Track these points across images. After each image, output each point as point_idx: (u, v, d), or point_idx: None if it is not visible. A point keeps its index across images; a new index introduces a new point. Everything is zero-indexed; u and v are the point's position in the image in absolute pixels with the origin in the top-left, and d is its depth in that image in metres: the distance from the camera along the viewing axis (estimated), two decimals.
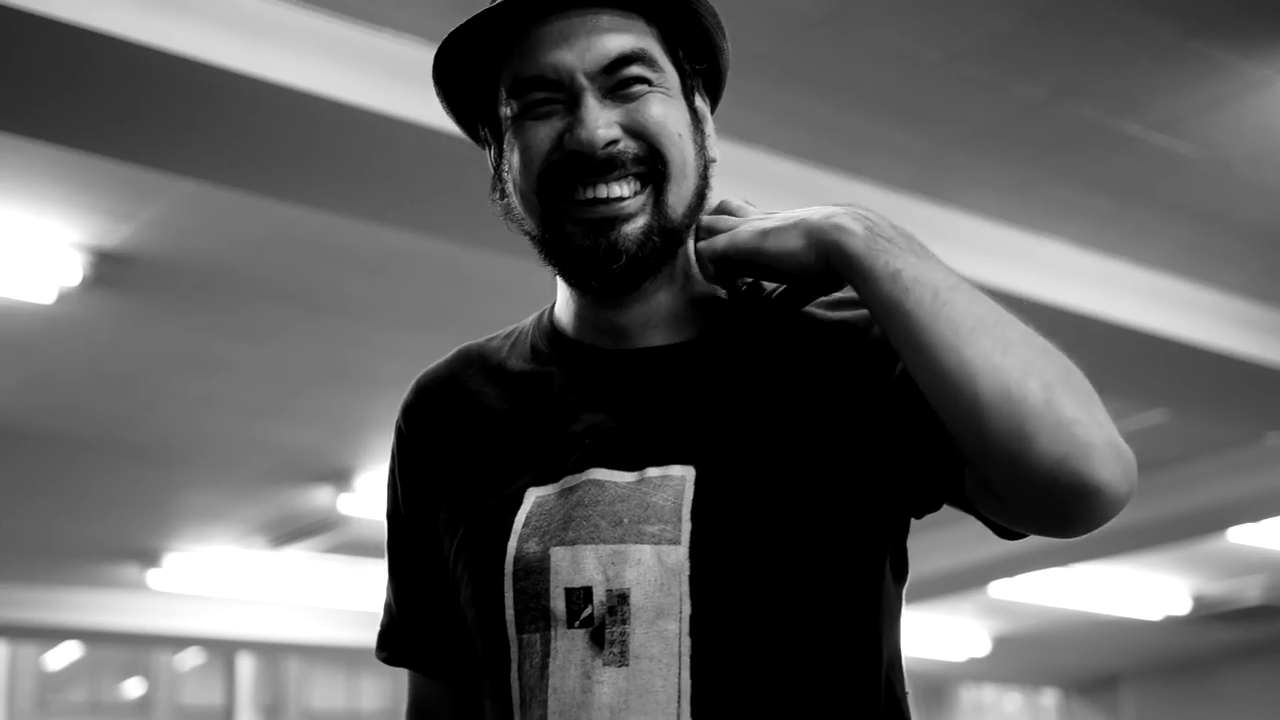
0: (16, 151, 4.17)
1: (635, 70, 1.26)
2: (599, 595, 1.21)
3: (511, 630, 1.24)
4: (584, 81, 1.25)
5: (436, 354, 5.90)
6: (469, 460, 1.35)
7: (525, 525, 1.25)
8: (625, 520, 1.22)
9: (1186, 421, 6.95)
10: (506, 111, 1.30)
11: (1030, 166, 4.64)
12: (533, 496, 1.27)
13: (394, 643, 1.47)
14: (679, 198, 1.28)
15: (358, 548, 9.06)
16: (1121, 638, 12.79)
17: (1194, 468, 7.83)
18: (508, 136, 1.31)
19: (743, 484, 1.23)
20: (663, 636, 1.19)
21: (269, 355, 6.00)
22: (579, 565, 1.22)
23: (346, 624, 10.94)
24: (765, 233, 1.24)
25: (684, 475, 1.24)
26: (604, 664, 1.20)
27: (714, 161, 1.34)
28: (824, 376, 1.27)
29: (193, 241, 4.92)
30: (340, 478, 7.63)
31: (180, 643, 13.12)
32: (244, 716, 14.97)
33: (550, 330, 1.41)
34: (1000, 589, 10.05)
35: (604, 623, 1.20)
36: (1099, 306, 5.17)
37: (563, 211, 1.27)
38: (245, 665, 14.73)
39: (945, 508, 1.26)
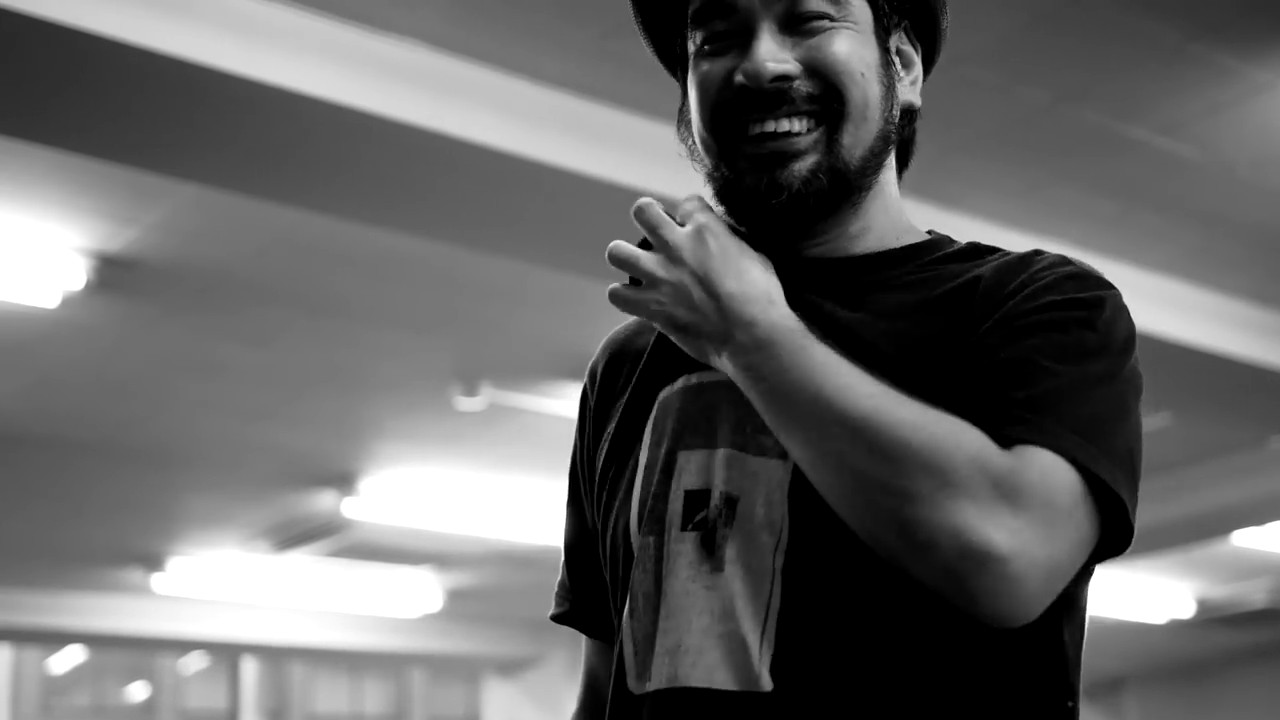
0: (19, 155, 4.17)
1: (815, 3, 1.21)
2: (715, 500, 1.19)
3: (634, 534, 1.23)
4: (759, 8, 1.21)
5: (437, 356, 5.92)
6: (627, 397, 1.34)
7: (654, 428, 1.26)
8: (748, 428, 1.19)
9: (1191, 425, 6.94)
10: (690, 46, 1.26)
11: (1034, 170, 4.64)
12: (660, 397, 1.27)
13: (564, 601, 1.45)
14: (856, 140, 1.22)
15: (361, 551, 9.05)
16: (1125, 641, 12.77)
17: (1198, 471, 7.82)
18: (690, 73, 1.27)
19: None
20: (759, 550, 1.16)
21: (271, 358, 6.00)
22: (701, 469, 1.20)
23: (350, 628, 10.94)
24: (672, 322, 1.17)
25: None
26: (711, 570, 1.17)
27: (914, 107, 1.30)
28: (947, 327, 1.19)
29: (195, 245, 4.92)
30: (344, 481, 7.63)
31: (184, 646, 13.10)
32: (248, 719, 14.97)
33: None
34: None
35: (714, 528, 1.18)
36: None
37: (737, 149, 1.22)
38: (249, 669, 14.72)
39: None
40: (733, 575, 1.16)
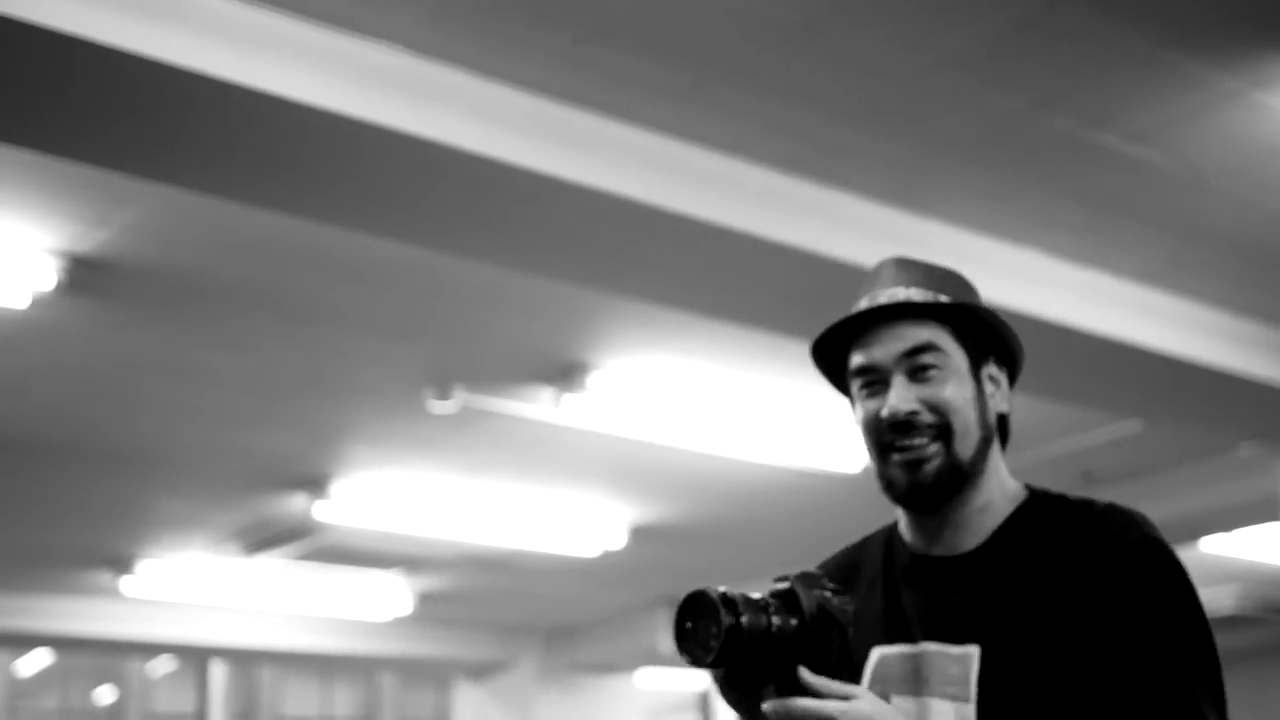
0: None
1: (924, 359, 1.84)
2: None
3: None
4: (891, 367, 1.85)
5: (415, 362, 5.92)
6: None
7: (873, 675, 1.86)
8: (933, 680, 1.80)
9: (1161, 431, 6.98)
10: (854, 386, 1.90)
11: (1008, 177, 4.66)
12: (877, 654, 1.87)
13: None
14: (964, 446, 1.84)
15: (333, 555, 9.03)
16: None
17: (1168, 477, 7.86)
18: (856, 403, 1.91)
19: (1013, 659, 1.74)
20: None
21: (245, 362, 5.98)
22: (906, 710, 1.79)
23: (320, 631, 10.91)
24: None
25: (972, 652, 1.78)
26: None
27: (1006, 413, 1.92)
28: (1069, 584, 1.77)
29: (169, 248, 4.91)
30: (316, 485, 7.61)
31: (153, 650, 13.04)
32: None
33: (896, 536, 1.97)
34: None
35: None
36: (1075, 316, 5.19)
37: (888, 456, 1.85)
38: (218, 672, 14.65)
39: None
40: None
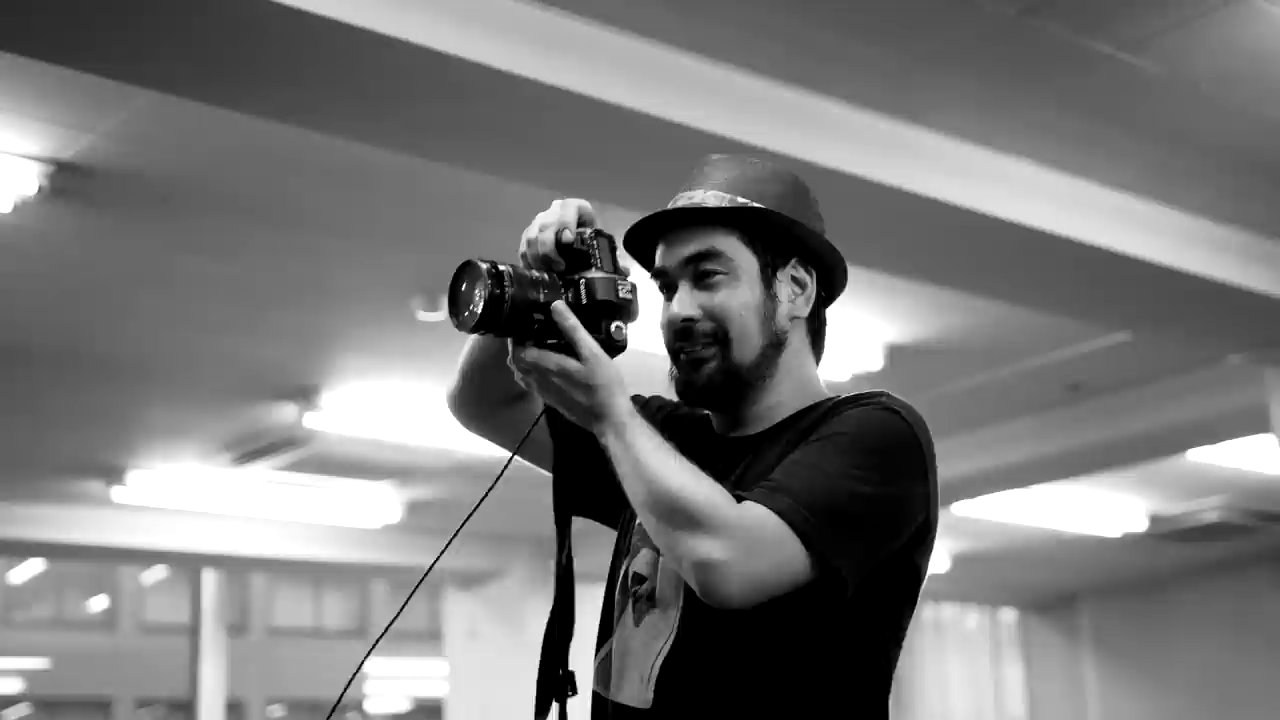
0: None
1: (706, 265, 1.89)
2: (645, 586, 1.92)
3: (617, 595, 2.00)
4: (677, 273, 1.92)
5: (401, 269, 5.89)
6: None
7: (636, 530, 1.98)
8: None
9: (1149, 342, 6.99)
10: (656, 286, 1.97)
11: (998, 84, 4.62)
12: None
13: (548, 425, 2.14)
14: (743, 351, 1.88)
15: (323, 464, 9.06)
16: (1080, 555, 12.92)
17: (1157, 389, 7.88)
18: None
19: None
20: (667, 618, 1.86)
21: (233, 270, 5.96)
22: (644, 564, 1.93)
23: (312, 540, 10.95)
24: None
25: None
26: (635, 624, 1.92)
27: (798, 317, 1.93)
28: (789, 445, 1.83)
29: (154, 154, 4.87)
30: (305, 394, 7.61)
31: (144, 557, 13.10)
32: (209, 632, 14.98)
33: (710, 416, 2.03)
34: (962, 508, 10.11)
35: (647, 601, 1.91)
36: (1065, 226, 5.18)
37: (675, 358, 1.92)
38: (210, 581, 14.75)
39: None
40: (647, 631, 1.89)
